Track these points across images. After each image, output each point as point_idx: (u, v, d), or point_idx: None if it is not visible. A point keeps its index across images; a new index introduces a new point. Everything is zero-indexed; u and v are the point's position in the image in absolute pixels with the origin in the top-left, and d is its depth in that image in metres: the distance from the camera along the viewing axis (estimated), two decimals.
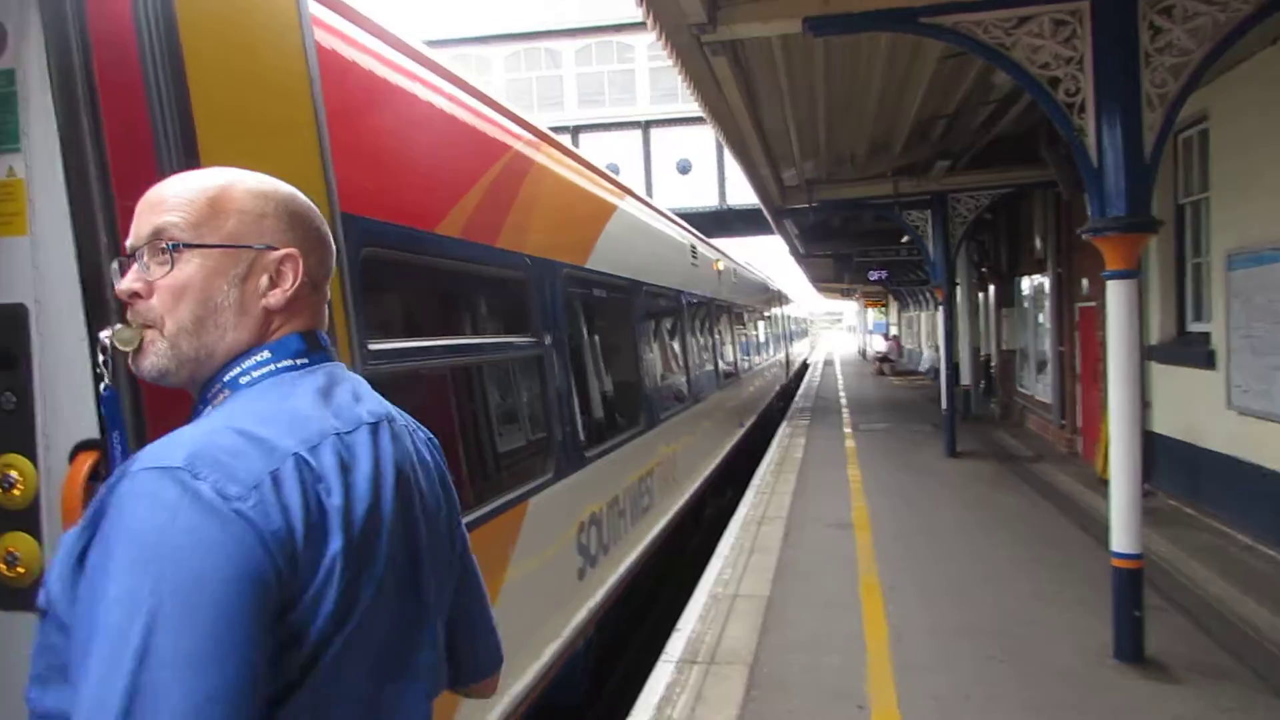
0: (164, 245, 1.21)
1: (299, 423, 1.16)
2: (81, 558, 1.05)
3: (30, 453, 1.80)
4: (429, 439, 1.45)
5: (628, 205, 6.75)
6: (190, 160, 1.85)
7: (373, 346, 2.66)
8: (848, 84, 8.95)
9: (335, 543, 1.11)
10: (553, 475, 4.29)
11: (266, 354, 1.25)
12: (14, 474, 1.78)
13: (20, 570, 1.76)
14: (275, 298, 1.27)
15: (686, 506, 7.83)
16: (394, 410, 1.36)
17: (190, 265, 1.22)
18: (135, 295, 1.23)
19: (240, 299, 1.24)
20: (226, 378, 1.23)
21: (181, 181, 1.26)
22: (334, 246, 1.38)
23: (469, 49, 29.31)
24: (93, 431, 1.77)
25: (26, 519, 1.78)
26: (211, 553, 1.01)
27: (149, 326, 1.23)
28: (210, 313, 1.23)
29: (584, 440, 4.88)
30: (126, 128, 1.84)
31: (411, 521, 1.27)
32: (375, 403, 1.31)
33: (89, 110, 1.80)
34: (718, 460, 9.96)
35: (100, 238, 1.79)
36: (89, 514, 1.08)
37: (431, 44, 3.76)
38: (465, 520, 3.31)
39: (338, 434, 1.18)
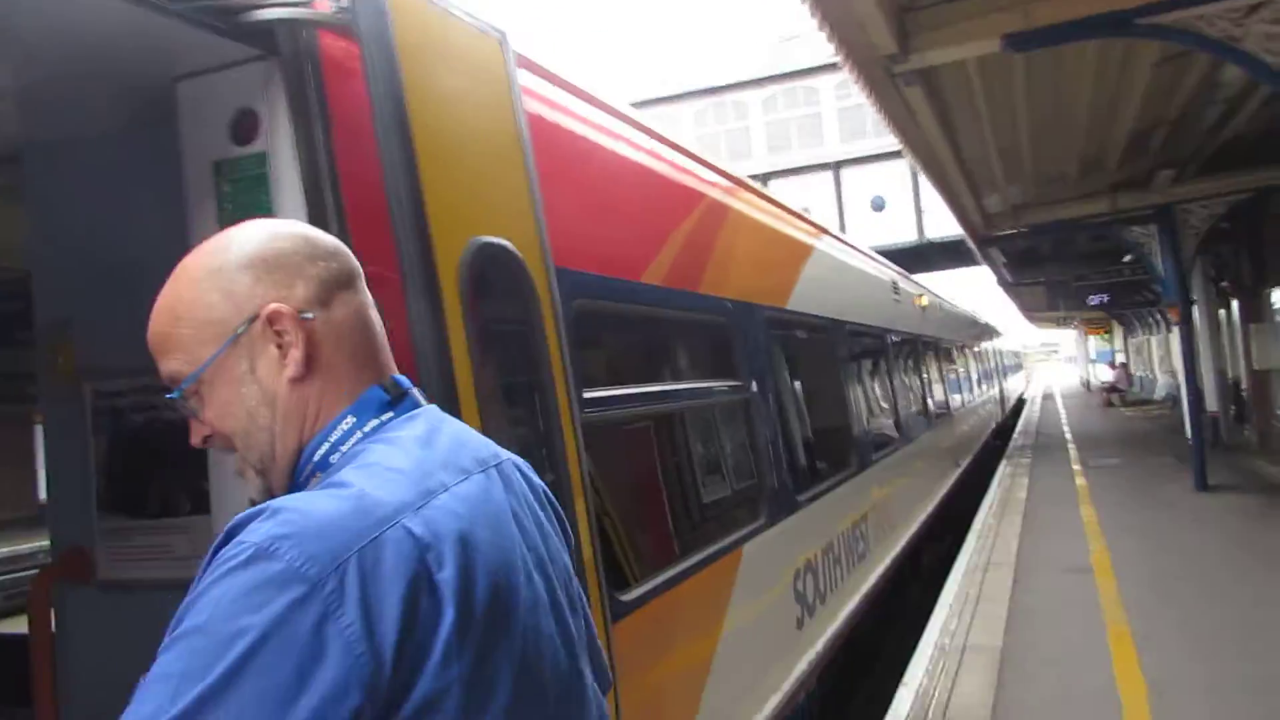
0: (183, 389, 1.12)
1: (403, 484, 1.03)
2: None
3: None
4: (529, 467, 1.31)
5: (825, 244, 6.65)
6: (420, 226, 1.96)
7: (586, 395, 2.71)
8: (1052, 101, 8.48)
9: (448, 617, 0.97)
10: (765, 521, 4.21)
11: (351, 419, 1.13)
12: None
13: None
14: (294, 364, 1.11)
15: (904, 552, 7.48)
16: (499, 449, 1.24)
17: (211, 390, 1.12)
18: (207, 439, 1.15)
19: (261, 391, 1.12)
20: (316, 458, 1.12)
21: (154, 321, 1.14)
22: (330, 243, 1.19)
23: (658, 109, 30.16)
24: None
25: None
26: (267, 645, 0.89)
27: (231, 450, 1.15)
28: (248, 419, 1.12)
29: (794, 484, 4.77)
30: (363, 201, 1.98)
31: (545, 578, 1.16)
32: (480, 445, 1.20)
33: (331, 186, 1.96)
34: (933, 504, 9.48)
35: None
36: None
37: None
38: (683, 566, 3.34)
39: (446, 489, 1.06)
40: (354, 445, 1.11)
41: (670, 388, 3.88)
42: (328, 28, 2.03)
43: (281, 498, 1.01)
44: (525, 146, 2.45)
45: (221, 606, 0.91)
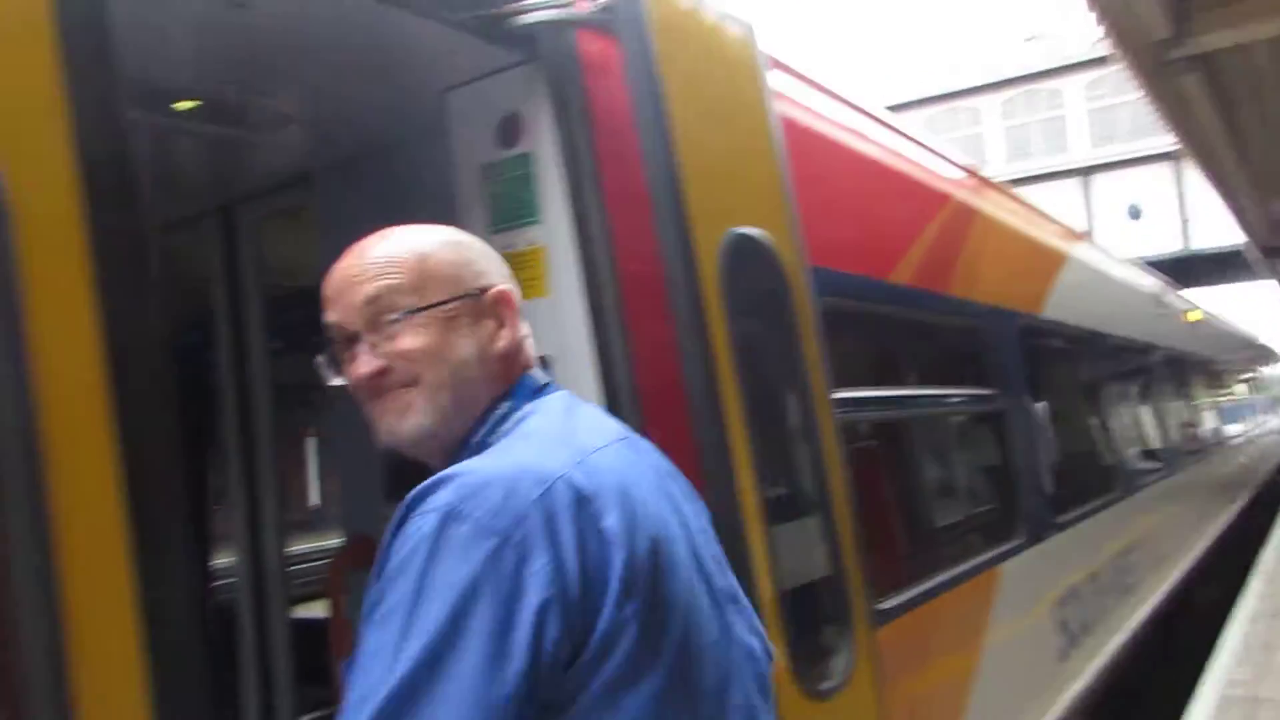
0: (393, 317, 1.18)
1: (561, 446, 1.13)
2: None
3: None
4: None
5: (1082, 252, 6.15)
6: (680, 216, 1.97)
7: (839, 395, 2.62)
8: None
9: (617, 560, 1.06)
10: (1024, 540, 3.91)
11: (507, 405, 1.24)
12: None
13: None
14: (505, 340, 1.25)
15: (1175, 589, 6.74)
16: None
17: (427, 328, 1.19)
18: (379, 373, 1.19)
19: (478, 350, 1.22)
20: (476, 440, 1.21)
21: (381, 248, 1.23)
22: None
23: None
24: None
25: None
26: (500, 617, 0.99)
27: (406, 387, 1.19)
28: (457, 368, 1.20)
29: (1053, 505, 4.41)
30: (625, 198, 2.01)
31: (693, 535, 1.23)
32: (613, 420, 1.32)
33: (593, 184, 2.00)
34: (1206, 539, 8.50)
35: (606, 296, 1.95)
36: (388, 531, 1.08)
37: None
38: (937, 580, 3.16)
39: (598, 449, 1.16)
40: (510, 424, 1.22)
41: (922, 393, 3.70)
42: (587, 28, 2.08)
43: (450, 468, 1.09)
44: (776, 139, 2.42)
45: (424, 572, 1.00)
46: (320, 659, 3.05)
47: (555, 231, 2.07)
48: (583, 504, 1.07)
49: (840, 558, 2.27)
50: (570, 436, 1.17)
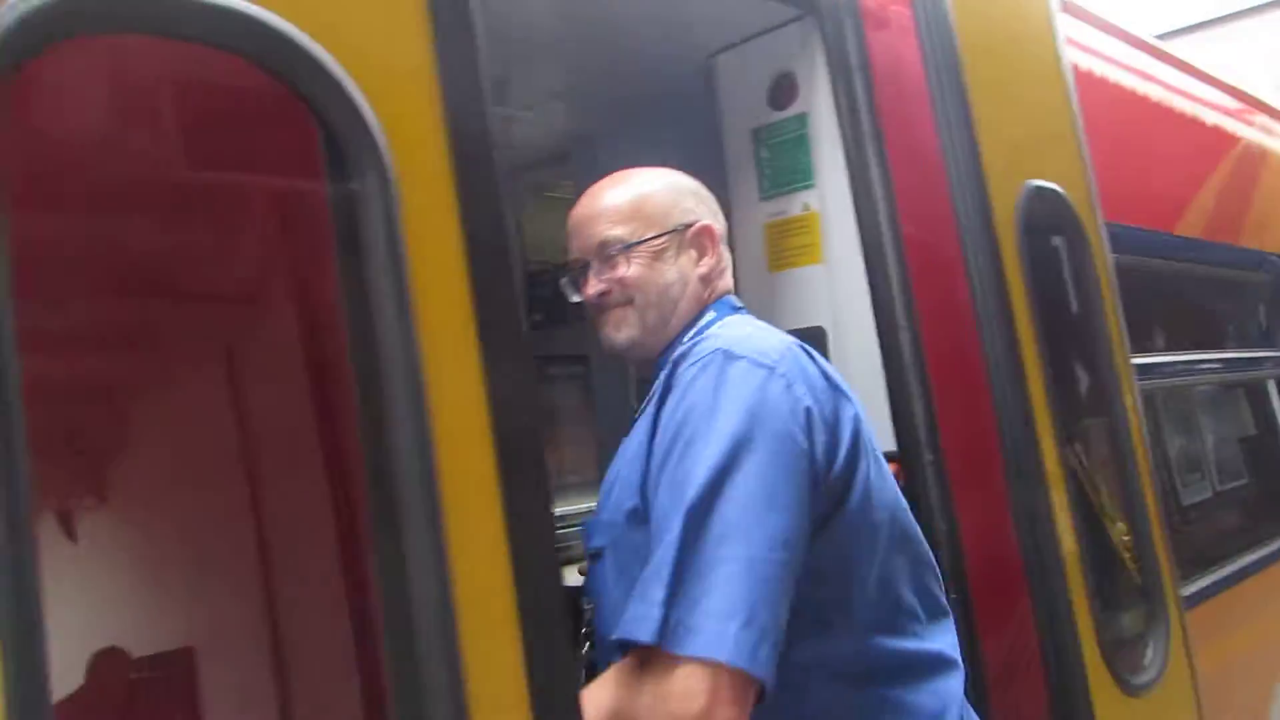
0: (613, 250, 1.47)
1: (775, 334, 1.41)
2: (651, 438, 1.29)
3: None
4: None
5: None
6: (976, 171, 1.84)
7: (1137, 361, 2.40)
8: None
9: (851, 409, 1.34)
10: None
11: (712, 314, 1.50)
12: None
13: None
14: (706, 266, 1.52)
15: None
16: None
17: (639, 259, 1.47)
18: (602, 294, 1.48)
19: (680, 274, 1.49)
20: (686, 339, 1.45)
21: (609, 194, 1.52)
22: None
23: (1213, 30, 26.59)
24: (890, 445, 1.83)
25: None
26: (787, 418, 1.22)
27: (622, 306, 1.47)
28: (663, 290, 1.47)
29: None
30: (909, 157, 1.90)
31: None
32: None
33: (875, 144, 1.89)
34: None
35: (888, 262, 1.85)
36: (655, 398, 1.33)
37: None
38: (1254, 557, 2.86)
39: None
40: (711, 332, 1.44)
41: (1221, 357, 3.34)
42: None
43: (739, 339, 1.33)
44: (1068, 84, 2.22)
45: (715, 395, 1.23)
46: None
47: (831, 195, 1.98)
48: (813, 361, 1.35)
49: (1149, 540, 2.08)
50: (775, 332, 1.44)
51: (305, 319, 1.02)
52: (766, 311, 2.10)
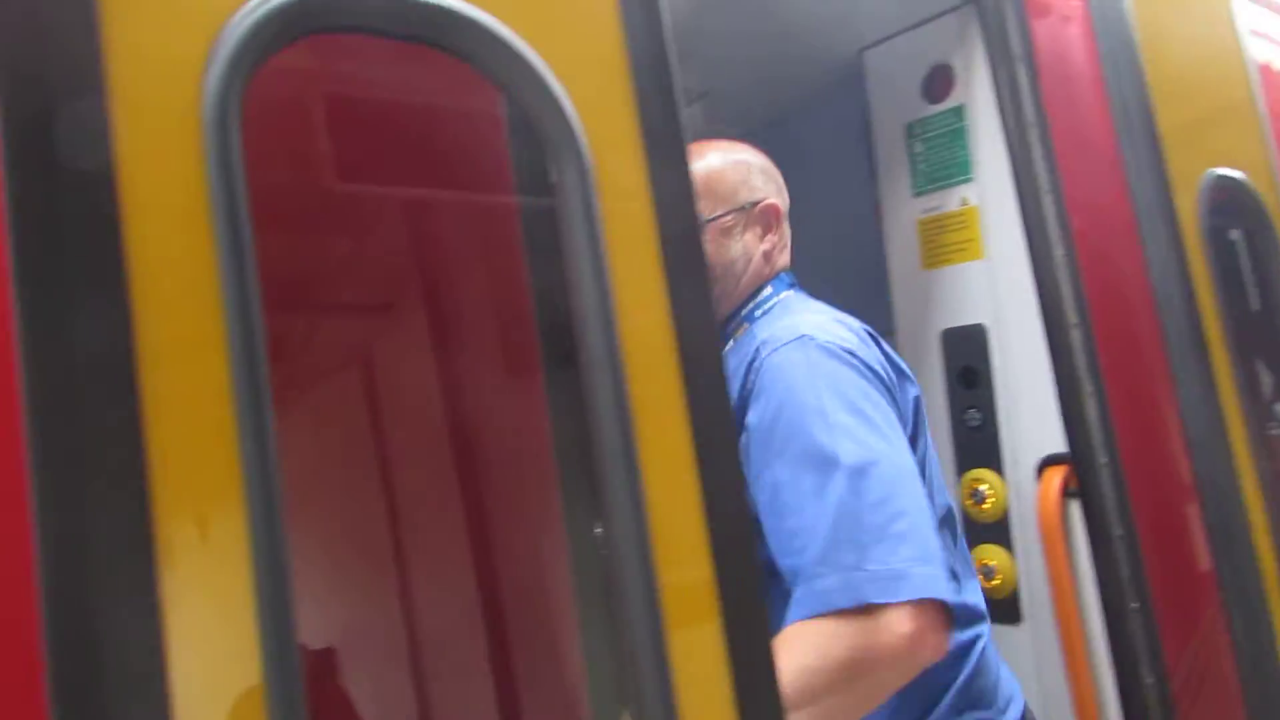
0: None
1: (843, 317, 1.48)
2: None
3: (997, 467, 1.86)
4: None
5: None
6: (1156, 172, 1.74)
7: None
8: None
9: (914, 390, 1.47)
10: None
11: (769, 289, 1.55)
12: (984, 488, 1.86)
13: (997, 581, 1.82)
14: (769, 243, 1.57)
15: None
16: None
17: (707, 235, 1.47)
18: None
19: (745, 251, 1.54)
20: (743, 313, 1.53)
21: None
22: None
23: None
24: (1058, 446, 1.76)
25: (997, 532, 1.85)
26: (878, 385, 1.34)
27: None
28: (727, 265, 1.52)
29: None
30: (1077, 147, 1.82)
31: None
32: None
33: (1040, 134, 1.82)
34: None
35: (1055, 256, 1.77)
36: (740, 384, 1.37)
37: None
38: None
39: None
40: (771, 305, 1.53)
41: None
42: None
43: (770, 332, 1.41)
44: (1251, 69, 2.08)
45: (811, 370, 1.31)
46: None
47: (992, 188, 1.92)
48: (878, 345, 1.45)
49: None
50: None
51: (507, 307, 1.04)
52: (921, 309, 2.06)
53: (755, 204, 1.57)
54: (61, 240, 0.66)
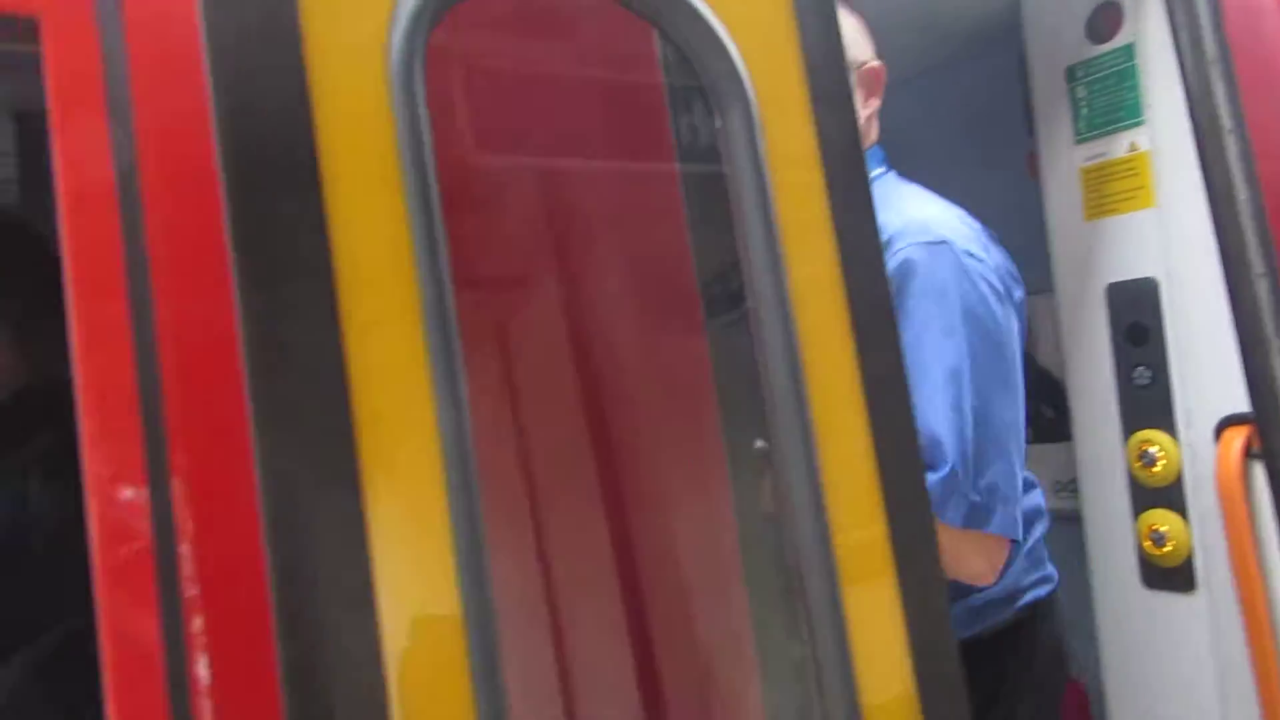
0: None
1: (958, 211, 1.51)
2: None
3: (1170, 428, 1.76)
4: None
5: None
6: None
7: None
8: None
9: (1019, 291, 1.53)
10: None
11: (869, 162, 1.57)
12: (1155, 449, 1.76)
13: (1168, 548, 1.73)
14: (871, 107, 1.53)
15: None
16: None
17: None
18: None
19: None
20: None
21: None
22: None
23: None
24: (1240, 406, 1.65)
25: (1170, 495, 1.75)
26: (990, 304, 1.39)
27: None
28: None
29: None
30: (1269, 85, 1.69)
31: None
32: None
33: (1223, 72, 1.69)
34: None
35: (1240, 203, 1.65)
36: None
37: None
38: None
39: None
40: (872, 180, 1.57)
41: None
42: None
43: (902, 222, 1.43)
44: None
45: (931, 280, 1.36)
46: None
47: (1165, 132, 1.80)
48: (994, 243, 1.52)
49: None
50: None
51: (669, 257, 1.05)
52: (1083, 263, 1.96)
53: (862, 64, 1.52)
54: (271, 191, 0.69)
